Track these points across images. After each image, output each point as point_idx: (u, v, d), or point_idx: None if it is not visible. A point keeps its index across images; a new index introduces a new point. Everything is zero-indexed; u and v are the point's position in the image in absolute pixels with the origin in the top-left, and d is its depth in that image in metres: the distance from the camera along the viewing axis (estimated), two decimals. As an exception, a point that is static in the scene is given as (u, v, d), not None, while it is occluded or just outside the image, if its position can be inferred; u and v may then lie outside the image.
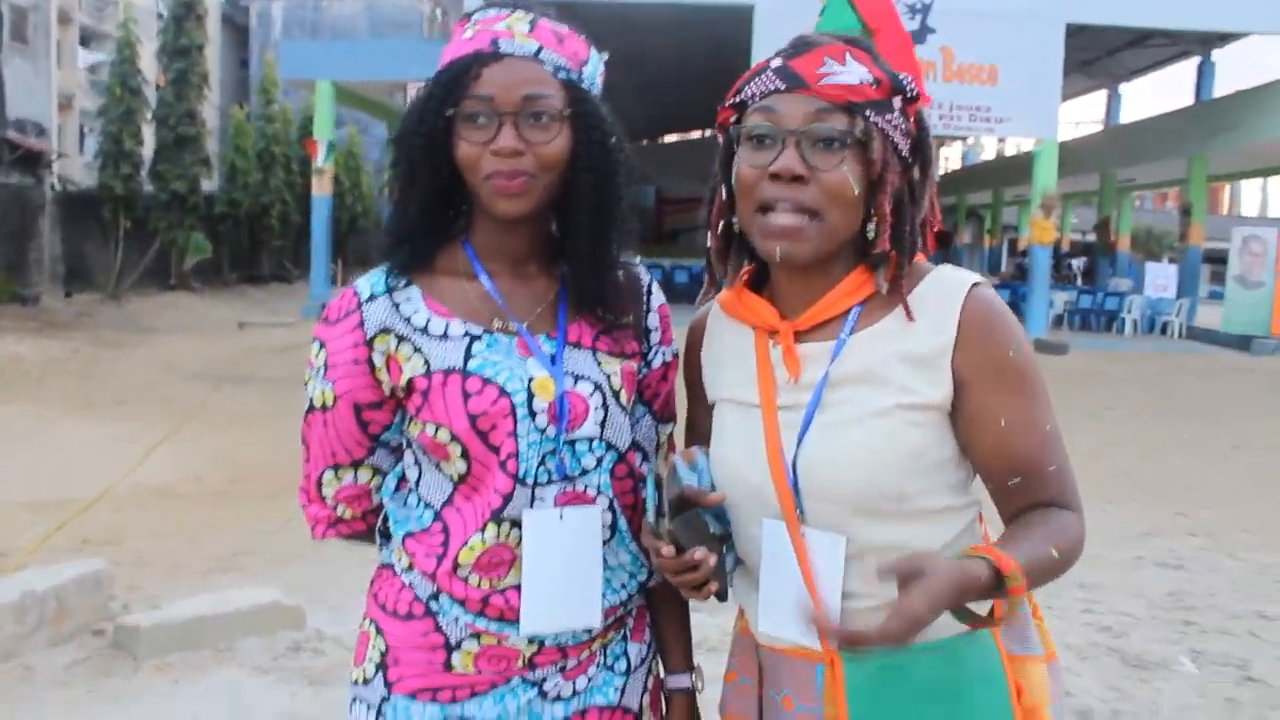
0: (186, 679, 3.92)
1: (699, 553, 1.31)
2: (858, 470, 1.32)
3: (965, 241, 40.90)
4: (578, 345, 1.47)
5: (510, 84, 1.37)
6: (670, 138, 41.77)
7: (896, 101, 1.36)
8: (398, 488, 1.51)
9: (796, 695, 1.40)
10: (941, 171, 41.65)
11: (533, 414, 1.40)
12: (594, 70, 1.46)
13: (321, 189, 20.66)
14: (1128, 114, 31.71)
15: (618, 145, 1.46)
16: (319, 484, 1.51)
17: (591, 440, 1.45)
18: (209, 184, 22.95)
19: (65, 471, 7.61)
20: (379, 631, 1.50)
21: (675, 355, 1.60)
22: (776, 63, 1.38)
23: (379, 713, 1.47)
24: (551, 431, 1.41)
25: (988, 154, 42.31)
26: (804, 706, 1.39)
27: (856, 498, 1.33)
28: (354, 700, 1.52)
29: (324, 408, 1.46)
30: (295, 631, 4.34)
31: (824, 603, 1.35)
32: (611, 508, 1.48)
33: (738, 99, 1.40)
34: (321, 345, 1.46)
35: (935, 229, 1.48)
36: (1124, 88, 32.18)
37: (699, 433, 1.54)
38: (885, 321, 1.37)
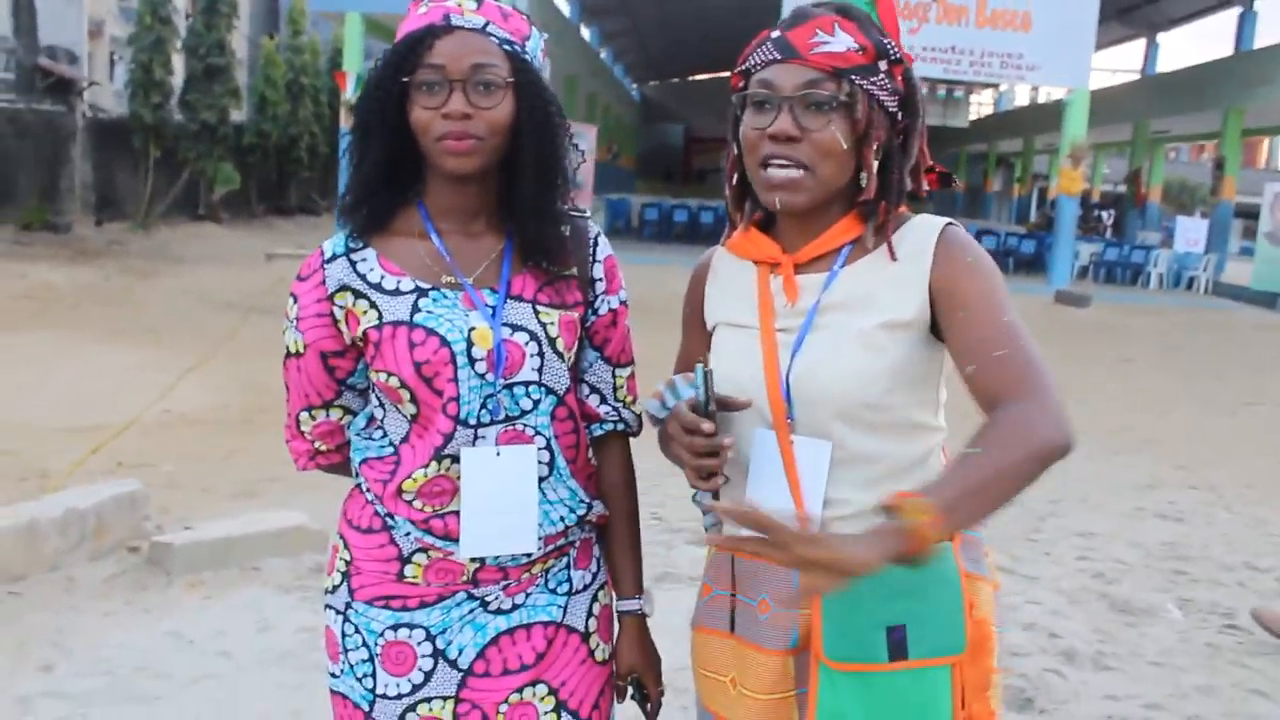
0: (216, 594, 4.16)
1: (727, 439, 1.50)
2: (845, 379, 1.51)
3: (994, 189, 40.53)
4: (519, 298, 1.61)
5: (460, 54, 1.51)
6: (700, 76, 41.36)
7: (882, 65, 1.53)
8: (367, 425, 1.67)
9: (773, 599, 1.58)
10: (973, 117, 41.10)
11: (472, 361, 1.55)
12: (535, 45, 1.61)
13: (350, 122, 20.69)
14: (1165, 64, 31.19)
15: (558, 111, 1.62)
16: (298, 422, 1.70)
17: (528, 385, 1.60)
18: (238, 115, 23.00)
19: (99, 397, 7.84)
20: (345, 544, 1.67)
21: (624, 303, 1.75)
22: (775, 34, 1.56)
23: (344, 617, 1.65)
24: (490, 377, 1.57)
25: (1020, 100, 41.69)
26: (779, 608, 1.57)
27: (842, 404, 1.52)
28: (326, 607, 1.70)
29: (297, 354, 1.65)
30: (318, 554, 4.56)
31: (807, 506, 1.53)
32: (549, 447, 1.63)
33: (744, 67, 1.59)
34: (295, 299, 1.64)
35: (937, 169, 1.67)
36: (1162, 37, 31.64)
37: (692, 360, 1.69)
38: (872, 256, 1.56)
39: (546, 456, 1.63)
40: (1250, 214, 30.46)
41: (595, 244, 1.72)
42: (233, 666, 3.57)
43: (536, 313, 1.62)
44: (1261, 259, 21.18)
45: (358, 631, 1.64)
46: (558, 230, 1.64)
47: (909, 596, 1.50)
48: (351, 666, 1.65)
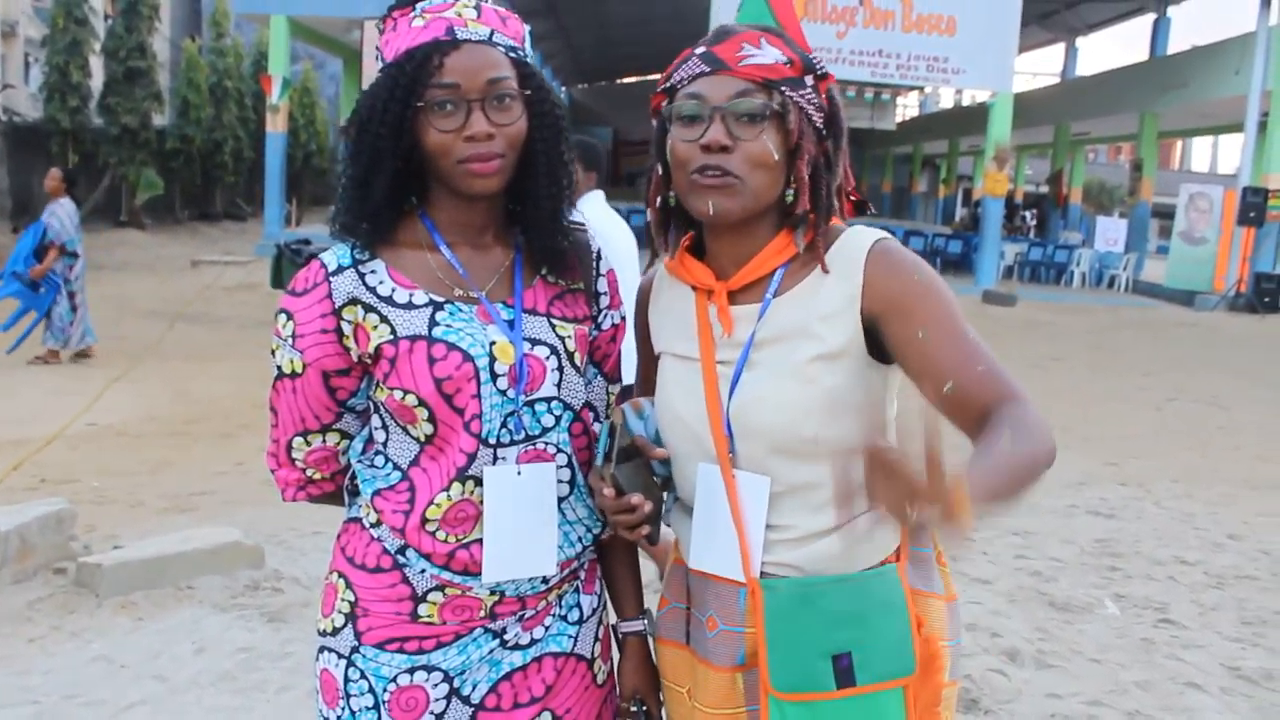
0: (149, 616, 4.03)
1: (635, 498, 1.47)
2: (781, 416, 1.49)
3: (920, 190, 41.16)
4: (533, 311, 1.55)
5: (473, 70, 1.44)
6: (629, 79, 41.40)
7: (809, 79, 1.51)
8: (364, 449, 1.58)
9: (720, 616, 1.56)
10: (899, 119, 41.71)
11: (494, 377, 1.48)
12: (529, 44, 1.56)
13: (276, 126, 20.35)
14: (1084, 68, 31.98)
15: (563, 115, 1.56)
16: (289, 449, 1.58)
17: (550, 401, 1.54)
18: (160, 119, 22.51)
19: (19, 410, 7.60)
20: (348, 584, 1.56)
21: (623, 318, 1.70)
22: (700, 50, 1.52)
23: (349, 662, 1.55)
24: (512, 393, 1.50)
25: (945, 102, 42.37)
26: (726, 626, 1.56)
27: (780, 440, 1.50)
28: (322, 650, 1.58)
29: (293, 375, 1.52)
30: (254, 570, 4.46)
31: (749, 537, 1.52)
32: (570, 464, 1.57)
33: (668, 84, 1.54)
34: (289, 316, 1.51)
35: (852, 196, 1.63)
36: (1081, 41, 32.43)
37: (651, 382, 1.68)
38: (804, 283, 1.53)
39: (567, 475, 1.57)
40: (1165, 214, 31.31)
41: (598, 257, 1.67)
42: (168, 690, 3.46)
43: (553, 326, 1.56)
44: (1175, 258, 21.76)
45: (364, 677, 1.54)
46: (567, 241, 1.59)
47: (852, 624, 1.49)
48: (353, 713, 1.55)
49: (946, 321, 1.47)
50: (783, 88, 1.48)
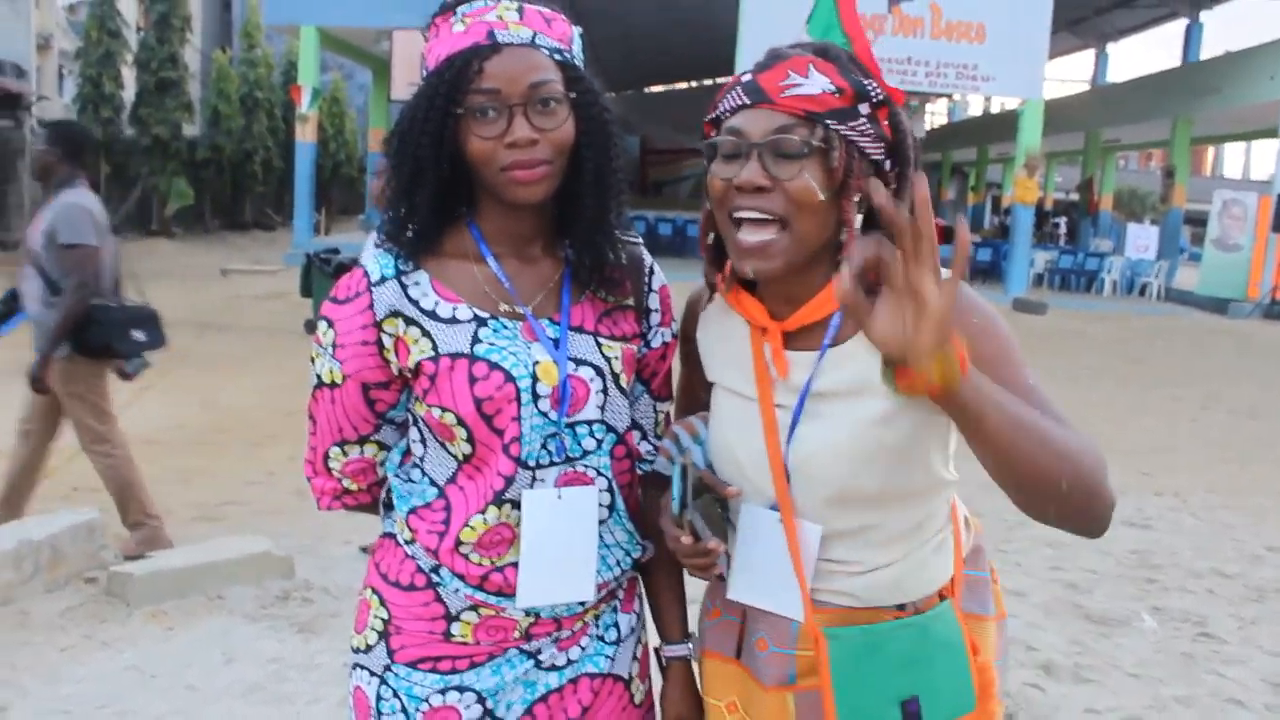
0: (179, 625, 4.03)
1: (712, 543, 1.42)
2: (843, 473, 1.43)
3: (949, 198, 40.96)
4: (580, 329, 1.51)
5: (514, 74, 1.39)
6: (655, 88, 41.46)
7: (863, 108, 1.40)
8: (402, 462, 1.55)
9: (770, 638, 1.52)
10: (929, 127, 41.53)
11: (536, 398, 1.44)
12: (579, 46, 1.49)
13: (305, 136, 20.50)
14: (1115, 74, 31.73)
15: (614, 119, 1.49)
16: (325, 458, 1.56)
17: (592, 423, 1.49)
18: (191, 129, 22.74)
19: (51, 419, 7.62)
20: (381, 601, 1.54)
21: (674, 336, 1.64)
22: (746, 78, 1.44)
23: (382, 680, 1.53)
24: (554, 415, 1.45)
25: (974, 110, 42.17)
26: (776, 648, 1.52)
27: (839, 494, 1.44)
28: (355, 667, 1.57)
29: (332, 385, 1.50)
30: (284, 580, 4.46)
31: (806, 582, 1.47)
32: (610, 488, 1.53)
33: (714, 115, 1.46)
34: (330, 324, 1.48)
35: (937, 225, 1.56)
36: (1111, 47, 32.19)
37: (694, 398, 1.62)
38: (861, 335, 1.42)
39: (607, 499, 1.53)
40: (1196, 221, 30.98)
41: (650, 272, 1.61)
42: (199, 701, 3.45)
43: (599, 345, 1.51)
44: (1208, 265, 21.51)
45: (396, 696, 1.52)
46: (617, 255, 1.53)
47: (917, 667, 1.45)
48: None
49: (1004, 366, 1.35)
50: (828, 120, 1.37)
